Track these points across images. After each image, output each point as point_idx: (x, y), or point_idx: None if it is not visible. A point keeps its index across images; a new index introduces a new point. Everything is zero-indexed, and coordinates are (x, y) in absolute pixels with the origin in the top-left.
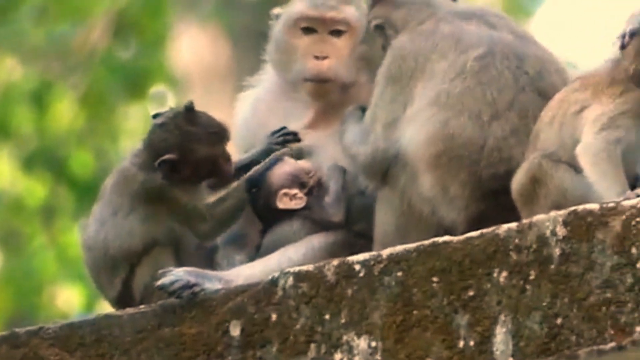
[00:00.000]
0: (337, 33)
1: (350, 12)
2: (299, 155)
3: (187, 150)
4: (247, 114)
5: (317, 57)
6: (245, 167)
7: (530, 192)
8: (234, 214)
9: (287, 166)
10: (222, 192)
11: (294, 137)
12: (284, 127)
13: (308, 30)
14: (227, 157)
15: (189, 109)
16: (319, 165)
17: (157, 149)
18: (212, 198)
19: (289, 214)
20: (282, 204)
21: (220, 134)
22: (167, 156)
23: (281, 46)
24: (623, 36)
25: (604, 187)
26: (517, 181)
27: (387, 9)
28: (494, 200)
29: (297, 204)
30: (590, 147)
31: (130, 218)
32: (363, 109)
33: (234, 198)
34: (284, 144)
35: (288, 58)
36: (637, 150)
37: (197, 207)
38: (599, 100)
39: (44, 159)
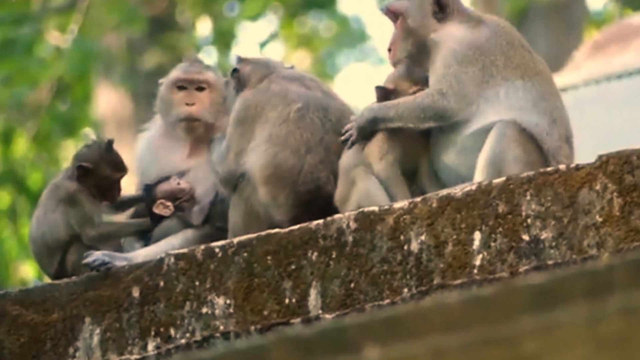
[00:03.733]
0: (201, 89)
1: (209, 75)
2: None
3: (98, 165)
4: (143, 149)
5: (187, 104)
6: (132, 200)
7: (345, 195)
8: (114, 236)
9: (168, 185)
10: (117, 219)
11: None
12: (145, 185)
13: (181, 88)
14: (119, 187)
15: (110, 143)
16: (194, 183)
17: (79, 158)
18: (108, 219)
19: (174, 214)
20: (157, 209)
21: (122, 167)
22: (84, 163)
23: (164, 99)
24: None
25: (395, 195)
26: (338, 189)
27: (242, 65)
28: (308, 206)
29: (165, 212)
30: (379, 172)
31: (55, 214)
32: (224, 135)
33: (120, 228)
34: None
35: (169, 107)
36: (411, 160)
37: (92, 217)
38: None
39: (9, 178)
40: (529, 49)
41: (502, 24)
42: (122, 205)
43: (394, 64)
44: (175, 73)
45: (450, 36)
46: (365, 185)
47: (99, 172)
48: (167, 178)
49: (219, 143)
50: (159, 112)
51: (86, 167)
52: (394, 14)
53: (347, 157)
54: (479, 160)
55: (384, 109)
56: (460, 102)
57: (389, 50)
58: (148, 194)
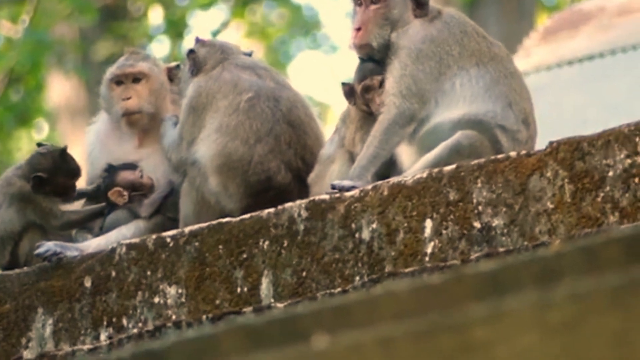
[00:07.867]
0: (137, 80)
1: (143, 65)
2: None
3: (54, 174)
4: (93, 141)
5: (124, 99)
6: (84, 194)
7: (319, 174)
8: (77, 223)
9: (131, 174)
10: (77, 209)
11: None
12: (110, 165)
13: (118, 83)
14: (74, 188)
15: (64, 151)
16: (152, 175)
17: (35, 167)
18: (68, 209)
19: (124, 204)
20: (112, 196)
21: (75, 172)
22: (39, 174)
23: (105, 97)
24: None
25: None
26: (314, 170)
27: (199, 46)
28: (259, 196)
29: (119, 201)
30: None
31: (9, 210)
32: (175, 116)
33: (81, 214)
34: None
35: (110, 104)
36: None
37: (52, 209)
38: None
39: None
40: (483, 35)
41: (455, 13)
42: (75, 198)
43: (359, 45)
44: (111, 69)
45: (407, 35)
46: (341, 165)
47: (55, 180)
48: (133, 166)
49: (169, 124)
50: (103, 109)
51: (42, 177)
52: None
53: (329, 146)
54: (421, 159)
55: (369, 162)
56: (419, 102)
57: (358, 29)
58: (109, 176)
